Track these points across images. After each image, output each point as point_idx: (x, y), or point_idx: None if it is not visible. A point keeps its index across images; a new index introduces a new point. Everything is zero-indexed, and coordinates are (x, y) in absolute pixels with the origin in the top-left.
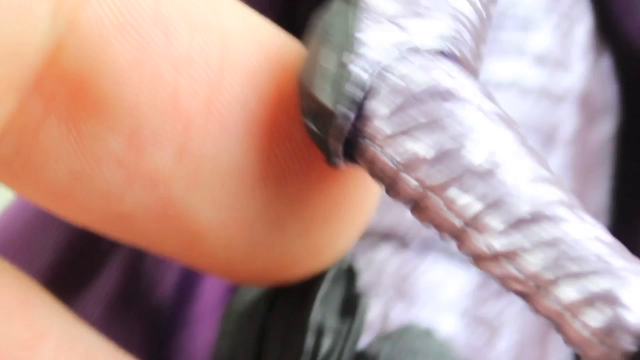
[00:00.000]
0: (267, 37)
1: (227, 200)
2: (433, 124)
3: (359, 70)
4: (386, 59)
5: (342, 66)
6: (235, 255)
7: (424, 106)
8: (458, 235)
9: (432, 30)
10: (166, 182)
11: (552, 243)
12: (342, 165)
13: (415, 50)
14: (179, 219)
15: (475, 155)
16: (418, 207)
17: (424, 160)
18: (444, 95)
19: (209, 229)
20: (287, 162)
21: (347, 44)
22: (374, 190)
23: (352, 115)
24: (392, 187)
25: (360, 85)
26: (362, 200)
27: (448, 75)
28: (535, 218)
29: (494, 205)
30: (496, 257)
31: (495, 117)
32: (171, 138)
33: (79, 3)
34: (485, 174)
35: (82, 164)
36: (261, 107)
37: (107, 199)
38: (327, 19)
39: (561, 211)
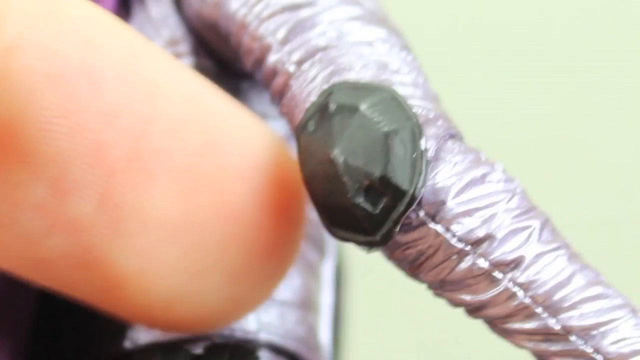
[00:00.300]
0: (195, 88)
1: (147, 248)
2: (494, 205)
3: (430, 153)
4: (439, 143)
5: (416, 149)
6: (155, 302)
7: (483, 187)
8: (522, 312)
9: (449, 118)
10: (87, 229)
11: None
12: (379, 244)
13: (454, 136)
14: (99, 266)
15: (546, 234)
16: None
17: (491, 238)
18: (490, 174)
19: (129, 275)
20: (209, 211)
21: (417, 128)
22: (294, 246)
23: (423, 194)
24: (447, 265)
25: (428, 166)
26: (281, 255)
27: (483, 156)
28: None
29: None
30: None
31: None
32: (93, 186)
33: (9, 52)
34: (555, 256)
35: (3, 209)
36: (186, 156)
37: (28, 245)
38: (370, 103)
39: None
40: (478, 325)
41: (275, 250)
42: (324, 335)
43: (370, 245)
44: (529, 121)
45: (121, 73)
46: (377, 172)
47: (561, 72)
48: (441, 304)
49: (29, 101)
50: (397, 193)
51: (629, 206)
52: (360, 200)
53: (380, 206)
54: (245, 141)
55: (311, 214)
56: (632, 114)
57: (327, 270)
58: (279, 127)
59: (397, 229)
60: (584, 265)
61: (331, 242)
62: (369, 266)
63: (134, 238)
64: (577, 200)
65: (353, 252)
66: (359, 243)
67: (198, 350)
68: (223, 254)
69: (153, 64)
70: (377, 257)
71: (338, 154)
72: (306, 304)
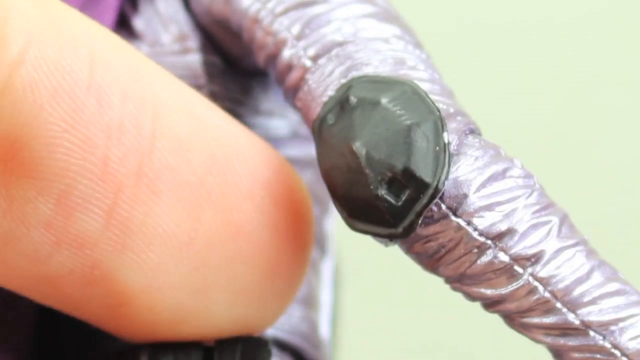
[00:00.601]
0: (199, 107)
1: (154, 265)
2: (515, 200)
3: (452, 146)
4: (460, 137)
5: (439, 142)
6: (161, 320)
7: (504, 182)
8: (542, 306)
9: (466, 114)
10: (94, 245)
11: None
12: (400, 236)
13: (474, 131)
14: (105, 282)
15: (565, 230)
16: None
17: (512, 233)
18: (510, 170)
19: (134, 292)
20: (216, 228)
21: (439, 122)
22: (301, 266)
23: (445, 187)
24: (467, 259)
25: (451, 159)
26: (289, 275)
27: (502, 151)
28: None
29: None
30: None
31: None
32: (100, 202)
33: (14, 67)
34: (577, 247)
35: (10, 225)
36: (192, 174)
37: (35, 262)
38: (392, 97)
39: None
40: (464, 324)
41: (282, 269)
42: (324, 332)
43: (391, 237)
44: (528, 122)
45: (126, 89)
46: (399, 164)
47: (560, 73)
48: (432, 303)
49: (34, 116)
50: (420, 185)
51: (628, 206)
52: (383, 192)
53: (403, 198)
54: (251, 160)
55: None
56: (632, 114)
57: (327, 269)
58: (284, 125)
59: (420, 221)
60: (601, 261)
61: (331, 242)
62: (357, 268)
63: (140, 254)
64: (576, 200)
65: (344, 252)
66: (380, 235)
67: (209, 342)
68: (230, 272)
69: (157, 83)
70: (367, 258)
71: (360, 147)
72: (309, 301)
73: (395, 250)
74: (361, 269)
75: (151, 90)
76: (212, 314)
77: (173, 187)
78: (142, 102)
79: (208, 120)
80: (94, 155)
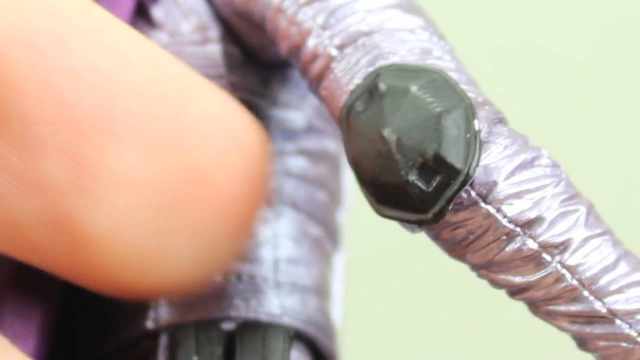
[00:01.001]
0: (160, 58)
1: (115, 209)
2: (543, 188)
3: (482, 134)
4: (490, 126)
5: (470, 129)
6: (122, 264)
7: (532, 170)
8: (569, 294)
9: (493, 103)
10: (57, 190)
11: None
12: (430, 222)
13: (502, 120)
14: (69, 227)
15: (592, 219)
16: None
17: (540, 220)
18: (539, 159)
19: (99, 236)
20: (176, 172)
21: (470, 109)
22: (258, 204)
23: (475, 174)
24: (496, 246)
25: (482, 147)
26: (246, 214)
27: (530, 141)
28: None
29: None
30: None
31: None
32: (61, 145)
33: None
34: (603, 237)
35: None
36: (153, 119)
37: None
38: (421, 85)
39: None
40: (465, 324)
41: (239, 209)
42: (336, 324)
43: (420, 223)
44: (526, 123)
45: (88, 39)
46: (431, 150)
47: (559, 73)
48: (434, 303)
49: None
50: (451, 172)
51: (629, 206)
52: (414, 177)
53: (434, 184)
54: (211, 107)
55: (327, 206)
56: (632, 114)
57: (339, 262)
58: (300, 117)
59: (450, 207)
60: (627, 251)
61: (344, 235)
62: (360, 267)
63: (101, 197)
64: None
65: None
66: (409, 221)
67: (230, 327)
68: (189, 212)
69: (119, 34)
70: (370, 258)
71: (391, 133)
72: (323, 292)
73: (397, 251)
74: (364, 269)
75: (114, 41)
76: (173, 257)
77: (134, 131)
78: (105, 52)
79: (169, 69)
80: (55, 99)
